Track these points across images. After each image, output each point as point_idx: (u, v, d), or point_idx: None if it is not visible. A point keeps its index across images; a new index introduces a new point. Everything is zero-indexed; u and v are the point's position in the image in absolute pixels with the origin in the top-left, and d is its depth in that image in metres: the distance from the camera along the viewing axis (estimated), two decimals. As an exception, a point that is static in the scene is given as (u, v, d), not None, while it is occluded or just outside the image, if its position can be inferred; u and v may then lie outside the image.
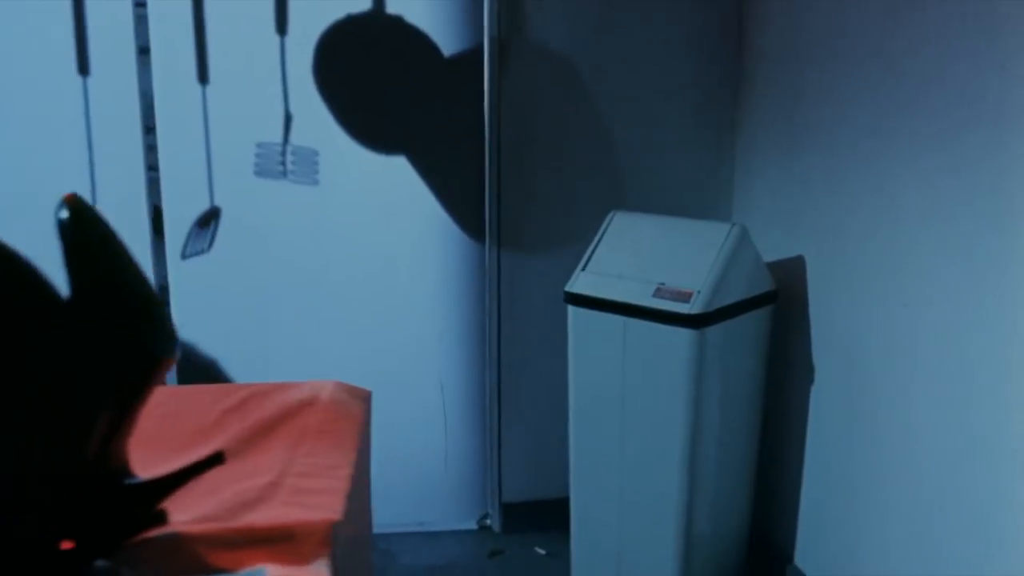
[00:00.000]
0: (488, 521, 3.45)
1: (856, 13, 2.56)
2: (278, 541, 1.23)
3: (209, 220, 3.15)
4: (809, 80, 2.82)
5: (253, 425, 1.55)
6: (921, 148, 2.29)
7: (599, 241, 2.89)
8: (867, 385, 2.55)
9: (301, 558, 1.20)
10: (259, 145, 3.15)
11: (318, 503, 1.32)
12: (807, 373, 2.84)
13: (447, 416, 3.41)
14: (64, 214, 1.07)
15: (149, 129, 2.98)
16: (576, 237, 3.02)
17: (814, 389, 2.83)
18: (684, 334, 2.61)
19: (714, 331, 2.64)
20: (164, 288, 3.06)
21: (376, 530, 3.29)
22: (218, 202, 3.14)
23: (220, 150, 3.12)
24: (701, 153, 3.30)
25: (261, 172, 3.17)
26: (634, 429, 2.75)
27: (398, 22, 3.15)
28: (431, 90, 3.22)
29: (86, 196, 2.94)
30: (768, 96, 3.09)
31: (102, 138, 3.03)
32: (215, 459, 1.20)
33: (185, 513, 1.27)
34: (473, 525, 3.45)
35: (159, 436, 1.50)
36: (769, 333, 2.89)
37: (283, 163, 3.17)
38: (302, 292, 3.25)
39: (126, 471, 1.17)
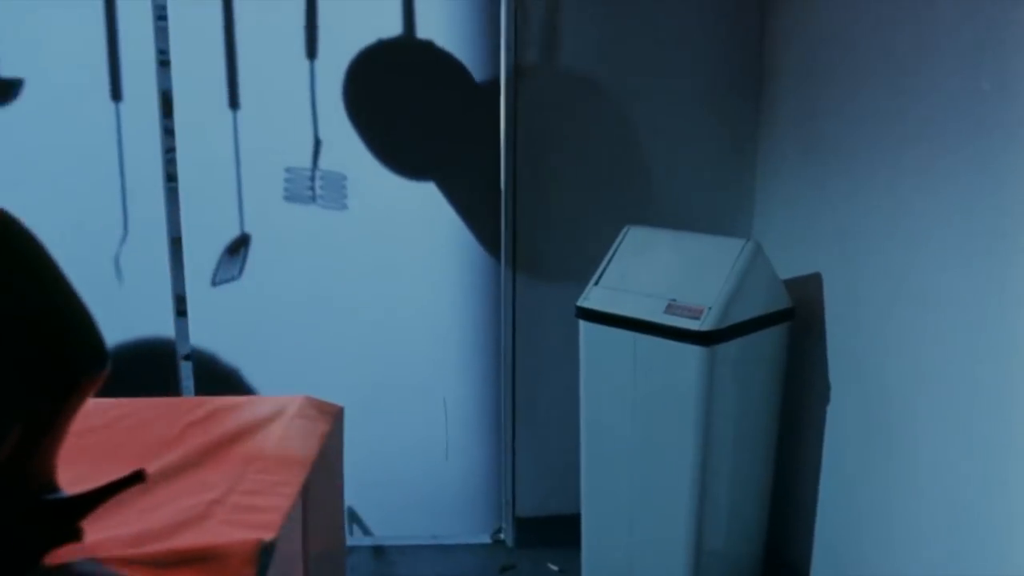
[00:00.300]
0: (502, 535, 3.44)
1: (869, 28, 2.53)
2: (205, 560, 1.23)
3: (239, 247, 3.21)
4: (827, 96, 2.78)
5: (212, 440, 1.57)
6: (935, 164, 2.25)
7: (612, 256, 2.87)
8: (885, 404, 2.49)
9: None
10: (288, 170, 3.21)
11: (254, 522, 1.32)
12: (824, 391, 2.79)
13: (452, 430, 3.40)
14: None
15: (172, 150, 3.06)
16: (596, 252, 2.98)
17: (831, 408, 2.77)
18: (694, 351, 2.58)
19: (726, 348, 2.61)
20: (182, 299, 3.15)
21: (390, 542, 3.37)
22: (247, 225, 3.21)
23: (250, 175, 3.17)
24: (721, 170, 3.27)
25: (291, 197, 3.22)
26: (645, 446, 2.73)
27: (429, 47, 3.17)
28: (461, 115, 3.23)
29: (118, 221, 3.11)
30: (787, 112, 3.05)
31: (133, 163, 3.10)
32: (135, 477, 1.21)
33: (124, 529, 1.29)
34: (487, 539, 3.44)
35: (120, 448, 1.54)
36: (785, 350, 2.84)
37: (312, 188, 3.22)
38: (325, 308, 3.28)
39: (51, 487, 1.19)
